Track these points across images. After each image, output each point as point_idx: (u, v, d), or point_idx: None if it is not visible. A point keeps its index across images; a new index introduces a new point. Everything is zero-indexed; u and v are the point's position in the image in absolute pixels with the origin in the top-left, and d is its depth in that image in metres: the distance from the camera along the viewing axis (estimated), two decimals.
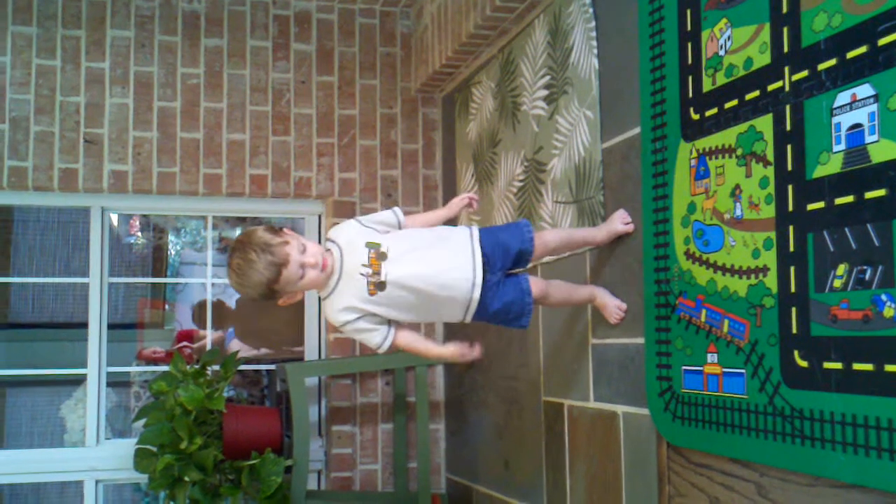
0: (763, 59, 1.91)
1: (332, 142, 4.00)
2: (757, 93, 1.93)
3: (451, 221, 2.54)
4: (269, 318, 5.17)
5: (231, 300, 5.86)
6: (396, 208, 2.41)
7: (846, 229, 1.68)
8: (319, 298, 2.38)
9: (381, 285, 2.22)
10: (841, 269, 1.69)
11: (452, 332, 2.80)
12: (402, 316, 2.31)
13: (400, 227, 2.36)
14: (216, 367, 3.70)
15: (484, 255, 2.30)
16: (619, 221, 2.46)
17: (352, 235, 2.29)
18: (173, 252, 7.36)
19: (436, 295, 2.27)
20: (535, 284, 2.37)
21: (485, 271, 2.29)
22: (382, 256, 2.23)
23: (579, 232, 2.58)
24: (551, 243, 2.46)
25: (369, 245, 2.24)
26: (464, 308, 2.30)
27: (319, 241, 4.05)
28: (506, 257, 2.33)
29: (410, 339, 2.34)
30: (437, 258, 2.27)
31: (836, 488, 1.73)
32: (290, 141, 3.95)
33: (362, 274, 2.22)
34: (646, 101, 2.34)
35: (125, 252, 6.98)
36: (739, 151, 1.98)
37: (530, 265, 2.52)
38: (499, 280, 2.31)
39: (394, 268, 2.23)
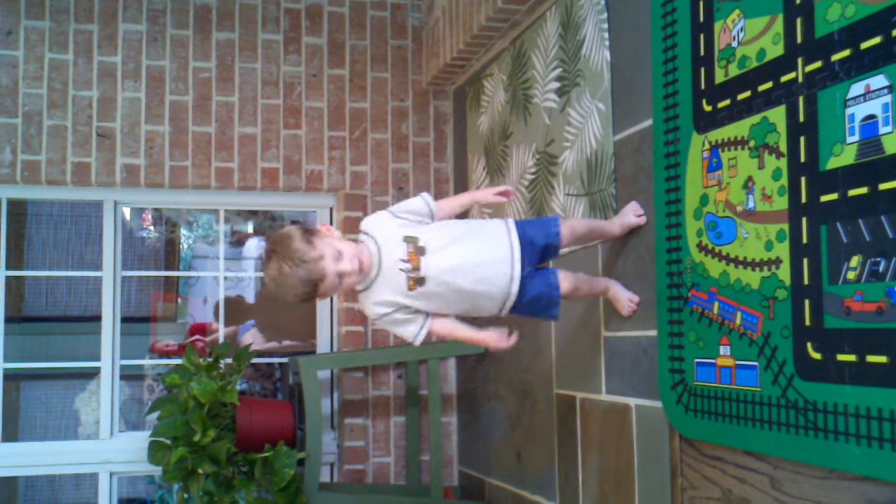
0: (776, 51, 1.90)
1: (344, 135, 4.00)
2: (770, 84, 1.92)
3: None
4: (284, 311, 5.19)
5: (249, 295, 5.89)
6: (426, 195, 2.35)
7: (860, 221, 1.67)
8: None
9: (420, 280, 2.21)
10: (854, 260, 1.68)
11: (480, 321, 2.76)
12: (439, 309, 2.31)
13: (432, 217, 2.32)
14: (229, 360, 3.71)
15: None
16: (632, 214, 2.45)
17: (389, 230, 2.25)
18: (186, 245, 7.39)
19: (473, 289, 2.26)
20: (565, 279, 2.35)
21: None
22: (421, 251, 2.21)
23: (598, 224, 2.57)
24: (578, 230, 2.45)
25: (407, 239, 2.21)
26: (501, 302, 2.30)
27: None
28: (533, 251, 2.32)
29: (448, 327, 2.33)
30: (476, 251, 2.25)
31: (849, 481, 1.73)
32: (301, 134, 3.95)
33: (402, 269, 2.20)
34: (658, 93, 2.33)
35: (138, 245, 7.01)
36: (752, 143, 1.97)
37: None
38: (528, 273, 2.31)
39: (433, 261, 2.21)
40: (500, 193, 2.39)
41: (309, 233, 2.19)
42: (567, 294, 2.37)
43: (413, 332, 2.29)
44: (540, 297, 2.31)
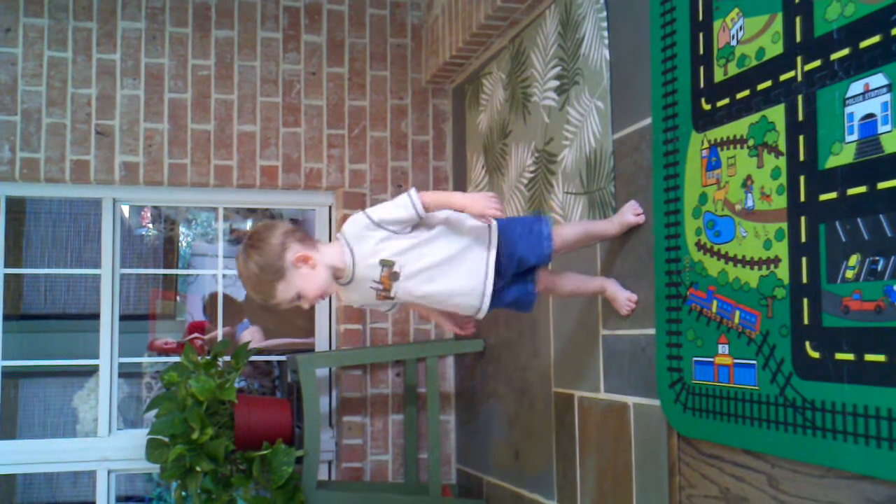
0: (775, 49, 1.90)
1: (343, 133, 4.00)
2: (769, 83, 1.92)
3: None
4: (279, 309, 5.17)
5: (239, 294, 5.88)
6: (413, 192, 2.23)
7: (859, 220, 1.67)
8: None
9: (389, 298, 2.31)
10: (853, 259, 1.69)
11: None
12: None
13: (420, 218, 2.24)
14: (227, 358, 3.71)
15: (496, 266, 2.30)
16: (631, 213, 2.45)
17: (367, 246, 2.23)
18: (184, 243, 7.39)
19: (441, 307, 2.40)
20: (542, 281, 2.40)
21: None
22: (395, 276, 2.25)
23: (594, 225, 2.56)
24: (570, 239, 2.46)
25: (383, 263, 2.24)
26: (470, 313, 2.39)
27: (330, 233, 4.05)
28: (519, 268, 2.33)
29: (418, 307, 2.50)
30: (448, 282, 2.27)
31: (847, 479, 1.73)
32: (300, 132, 3.95)
33: (373, 287, 2.28)
34: (657, 92, 2.33)
35: (137, 243, 7.01)
36: (751, 142, 1.97)
37: None
38: (506, 284, 2.34)
39: (404, 286, 2.27)
40: (486, 214, 2.23)
41: (280, 267, 2.21)
42: (544, 293, 2.45)
43: (385, 309, 2.44)
44: (515, 301, 2.38)
